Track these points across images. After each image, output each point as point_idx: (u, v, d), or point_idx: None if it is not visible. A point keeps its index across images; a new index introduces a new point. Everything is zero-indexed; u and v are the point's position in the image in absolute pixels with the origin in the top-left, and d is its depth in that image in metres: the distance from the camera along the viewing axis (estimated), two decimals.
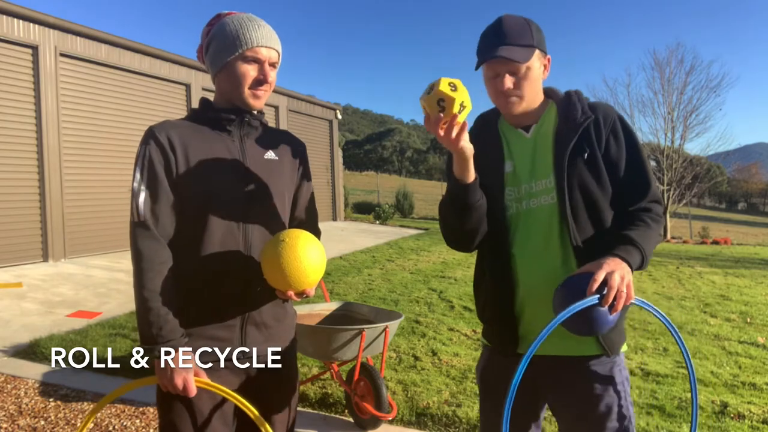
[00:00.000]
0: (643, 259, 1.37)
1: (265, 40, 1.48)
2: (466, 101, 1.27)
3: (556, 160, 1.47)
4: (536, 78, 1.48)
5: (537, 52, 1.46)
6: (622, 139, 1.49)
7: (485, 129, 1.62)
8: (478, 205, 1.47)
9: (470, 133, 1.61)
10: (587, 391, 1.47)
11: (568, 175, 1.45)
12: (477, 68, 1.48)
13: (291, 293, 1.41)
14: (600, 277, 1.27)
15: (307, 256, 1.38)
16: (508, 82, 1.45)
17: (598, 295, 1.26)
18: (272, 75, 1.52)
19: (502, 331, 1.55)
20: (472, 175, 1.42)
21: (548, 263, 1.47)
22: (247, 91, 1.49)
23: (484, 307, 1.61)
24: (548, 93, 1.59)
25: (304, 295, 1.44)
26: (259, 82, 1.49)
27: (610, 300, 1.26)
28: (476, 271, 1.66)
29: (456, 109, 1.26)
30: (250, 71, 1.48)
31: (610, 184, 1.48)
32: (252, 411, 1.38)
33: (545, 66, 1.52)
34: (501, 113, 1.60)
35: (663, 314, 1.43)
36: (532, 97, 1.50)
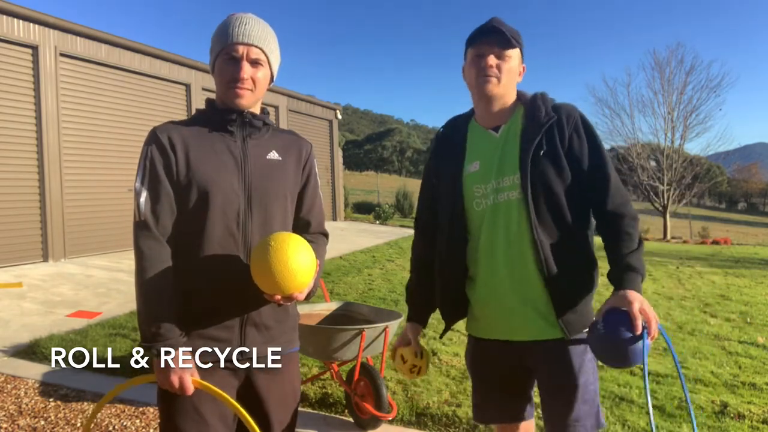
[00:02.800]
0: (642, 280, 1.51)
1: (242, 36, 1.45)
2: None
3: (521, 157, 1.58)
4: (514, 71, 1.64)
5: (519, 52, 1.64)
6: (584, 137, 1.60)
7: (453, 131, 1.77)
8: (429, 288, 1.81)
9: (438, 134, 1.84)
10: (566, 367, 1.59)
11: (531, 171, 1.56)
12: (468, 48, 1.63)
13: (278, 297, 1.39)
14: (638, 314, 1.40)
15: (293, 261, 1.34)
16: (492, 60, 1.58)
17: (646, 332, 1.40)
18: (251, 72, 1.47)
19: (454, 313, 1.78)
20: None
21: (511, 254, 1.59)
22: (227, 90, 1.48)
23: (443, 290, 1.76)
24: (518, 96, 1.71)
25: (293, 299, 1.42)
26: (234, 79, 1.46)
27: (654, 333, 1.42)
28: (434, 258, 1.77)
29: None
30: (227, 69, 1.47)
31: (574, 179, 1.58)
32: (245, 416, 1.34)
33: (522, 70, 1.67)
34: (474, 114, 1.73)
35: (668, 337, 1.55)
36: (508, 85, 1.63)
